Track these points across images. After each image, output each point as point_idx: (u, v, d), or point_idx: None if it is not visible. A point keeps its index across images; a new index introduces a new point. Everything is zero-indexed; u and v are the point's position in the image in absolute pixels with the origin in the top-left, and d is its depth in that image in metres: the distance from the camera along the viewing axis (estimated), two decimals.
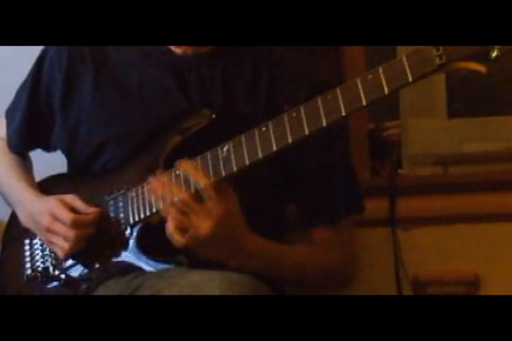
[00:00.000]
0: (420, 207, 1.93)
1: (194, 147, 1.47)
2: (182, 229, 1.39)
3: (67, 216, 1.54)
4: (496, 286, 1.89)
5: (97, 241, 1.56)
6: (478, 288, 1.90)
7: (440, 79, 2.21)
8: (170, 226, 1.39)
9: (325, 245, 1.58)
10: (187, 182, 1.40)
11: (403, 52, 1.25)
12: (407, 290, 1.90)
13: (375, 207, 1.88)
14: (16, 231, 1.70)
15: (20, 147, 1.75)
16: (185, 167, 1.41)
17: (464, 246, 1.91)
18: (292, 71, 1.60)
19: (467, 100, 2.32)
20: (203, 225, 1.37)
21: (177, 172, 1.46)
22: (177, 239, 1.39)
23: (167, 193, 1.41)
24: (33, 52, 1.70)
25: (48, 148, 1.74)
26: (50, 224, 1.56)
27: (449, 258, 1.91)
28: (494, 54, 1.19)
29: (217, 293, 1.26)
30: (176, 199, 1.39)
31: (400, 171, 2.13)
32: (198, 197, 1.39)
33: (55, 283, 1.63)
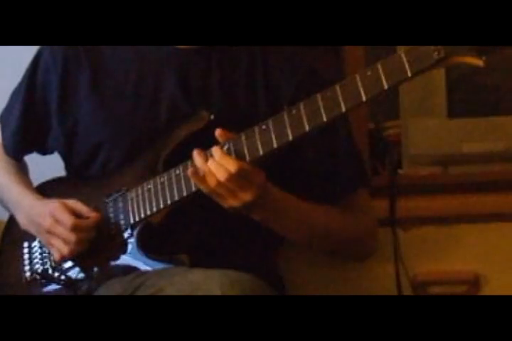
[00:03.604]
0: (420, 207, 1.93)
1: (193, 147, 1.46)
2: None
3: (68, 220, 1.53)
4: (496, 286, 1.89)
5: (97, 242, 1.55)
6: (478, 288, 1.90)
7: (440, 79, 2.21)
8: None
9: (346, 213, 1.59)
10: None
11: None
12: (407, 290, 1.90)
13: (375, 207, 1.88)
14: (15, 234, 1.70)
15: (17, 151, 1.74)
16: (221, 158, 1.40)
17: (464, 246, 1.91)
18: (290, 68, 1.60)
19: (467, 100, 2.32)
20: (245, 196, 1.37)
21: (177, 172, 1.46)
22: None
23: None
24: (28, 52, 1.70)
25: (45, 151, 1.73)
26: (52, 227, 1.55)
27: (449, 258, 1.91)
28: (488, 49, 1.19)
29: (218, 292, 1.26)
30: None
31: (400, 171, 2.13)
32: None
33: (54, 285, 1.63)
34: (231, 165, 1.36)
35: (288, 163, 1.55)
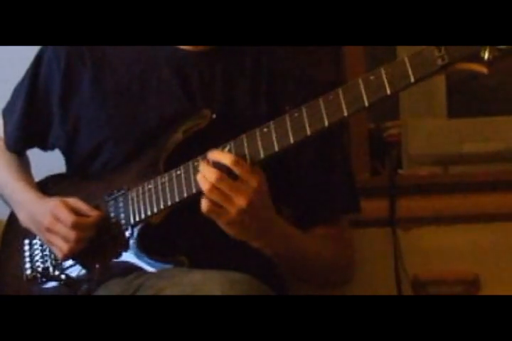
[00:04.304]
0: (420, 207, 1.93)
1: (195, 147, 1.46)
2: (220, 210, 1.36)
3: (68, 217, 1.53)
4: (496, 286, 1.89)
5: (97, 242, 1.55)
6: (478, 288, 1.90)
7: (440, 79, 2.22)
8: (204, 204, 1.37)
9: (327, 240, 1.58)
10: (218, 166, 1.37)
11: (403, 52, 1.25)
12: (407, 290, 1.90)
13: (375, 207, 1.88)
14: (16, 231, 1.69)
15: (18, 146, 1.74)
16: (211, 154, 1.38)
17: (464, 246, 1.91)
18: (293, 70, 1.60)
19: (467, 100, 2.32)
20: (240, 200, 1.35)
21: (178, 172, 1.46)
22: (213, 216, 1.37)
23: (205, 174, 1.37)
24: (29, 52, 1.70)
25: (46, 147, 1.73)
26: (52, 225, 1.55)
27: (449, 258, 1.91)
28: (493, 54, 1.19)
29: (218, 292, 1.26)
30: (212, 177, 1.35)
31: (400, 171, 2.13)
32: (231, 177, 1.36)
33: (54, 284, 1.62)
34: (226, 159, 1.35)
35: (282, 181, 1.55)
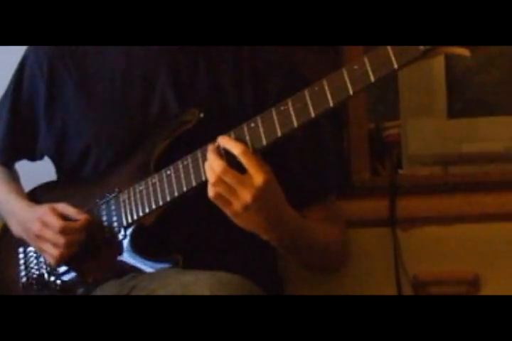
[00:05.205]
0: (420, 207, 1.93)
1: (184, 146, 1.46)
2: (225, 200, 1.35)
3: (56, 223, 1.53)
4: (495, 286, 1.89)
5: (91, 245, 1.55)
6: (478, 288, 1.90)
7: (440, 78, 2.22)
8: (210, 193, 1.36)
9: (321, 222, 1.57)
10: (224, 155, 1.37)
11: None
12: (407, 290, 1.90)
13: (375, 207, 1.89)
14: (10, 239, 1.69)
15: (6, 157, 1.74)
16: (221, 140, 1.37)
17: (464, 246, 1.91)
18: (276, 61, 1.59)
19: (467, 100, 2.32)
20: (245, 195, 1.34)
21: (168, 172, 1.46)
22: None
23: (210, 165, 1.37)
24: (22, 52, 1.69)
25: (34, 156, 1.72)
26: (40, 231, 1.55)
27: (449, 258, 1.91)
28: None
29: (207, 293, 1.26)
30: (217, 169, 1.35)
31: (400, 171, 2.13)
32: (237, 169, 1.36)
33: (51, 290, 1.62)
34: (235, 148, 1.34)
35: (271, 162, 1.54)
